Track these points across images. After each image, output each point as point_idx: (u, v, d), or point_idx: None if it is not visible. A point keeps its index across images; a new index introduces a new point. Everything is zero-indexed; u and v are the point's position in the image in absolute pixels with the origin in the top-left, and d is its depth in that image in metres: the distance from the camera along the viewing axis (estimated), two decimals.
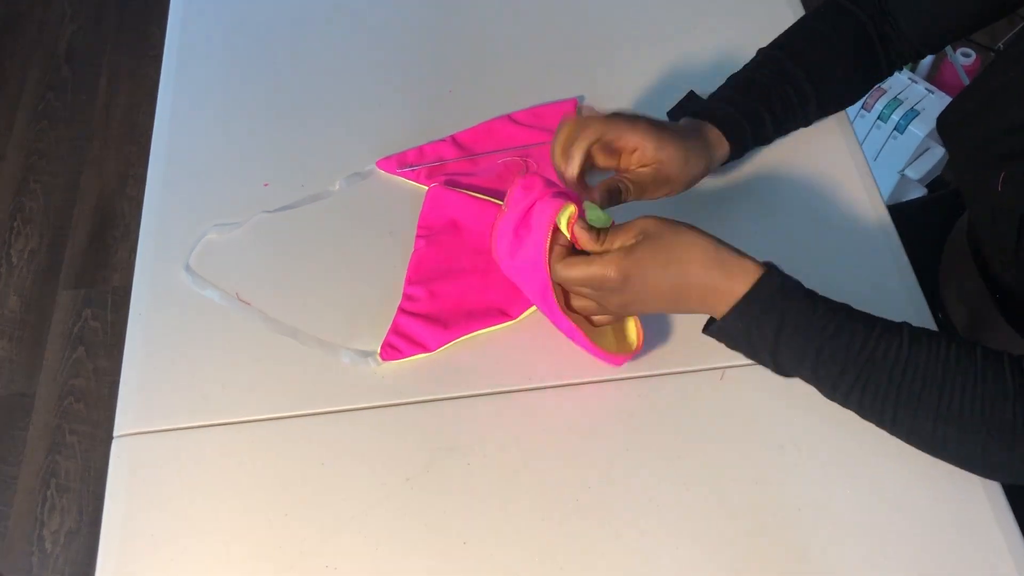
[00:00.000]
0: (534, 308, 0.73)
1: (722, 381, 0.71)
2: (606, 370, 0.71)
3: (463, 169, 0.85)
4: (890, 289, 0.76)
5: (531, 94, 0.90)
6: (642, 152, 0.69)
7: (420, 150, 0.86)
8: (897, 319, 0.62)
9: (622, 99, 0.89)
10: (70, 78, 2.11)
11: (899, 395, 0.59)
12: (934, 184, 1.69)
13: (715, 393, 0.71)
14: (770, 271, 0.61)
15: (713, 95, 0.79)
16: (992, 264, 0.77)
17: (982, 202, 0.75)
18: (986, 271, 0.79)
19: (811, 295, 0.62)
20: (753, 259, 0.62)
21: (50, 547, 1.49)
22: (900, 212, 0.89)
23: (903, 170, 1.63)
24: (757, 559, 0.64)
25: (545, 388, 0.72)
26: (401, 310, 0.75)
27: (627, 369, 0.71)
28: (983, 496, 0.65)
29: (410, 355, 0.73)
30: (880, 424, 0.62)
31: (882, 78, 0.81)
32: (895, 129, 1.60)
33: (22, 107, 2.06)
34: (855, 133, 0.87)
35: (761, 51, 0.80)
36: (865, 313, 0.62)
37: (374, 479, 0.68)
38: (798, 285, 0.62)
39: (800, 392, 0.67)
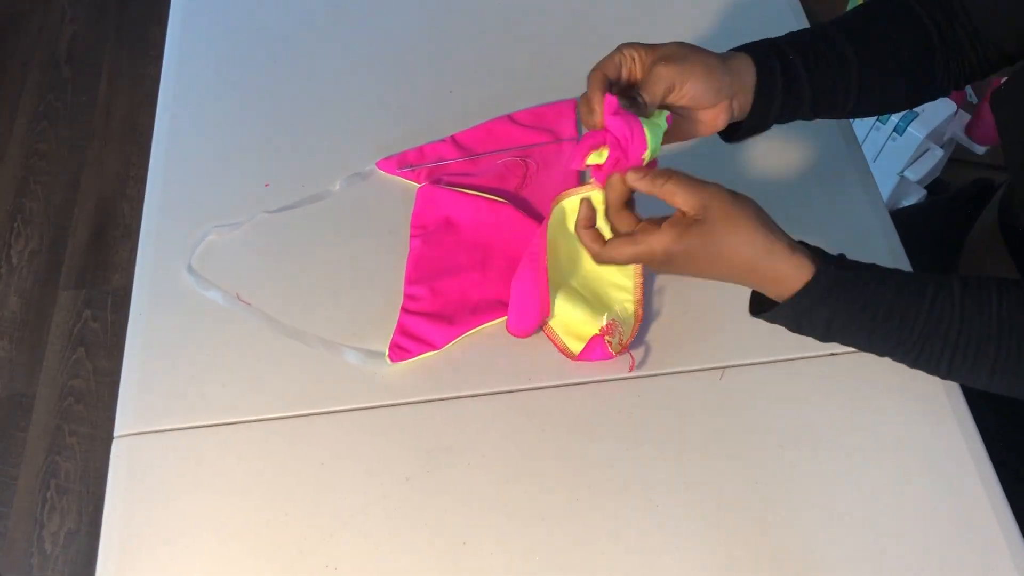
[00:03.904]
0: None
1: (722, 381, 0.71)
2: (606, 370, 0.72)
3: (463, 169, 0.85)
4: None
5: (531, 94, 0.90)
6: (642, 57, 0.64)
7: (420, 150, 0.86)
8: None
9: None
10: (70, 78, 2.11)
11: (954, 356, 0.59)
12: (933, 185, 1.70)
13: (715, 393, 0.71)
14: (819, 273, 0.59)
15: None
16: None
17: None
18: (1022, 259, 0.75)
19: (863, 286, 0.59)
20: (806, 254, 0.59)
21: (50, 548, 1.49)
22: (899, 216, 0.89)
23: (902, 171, 1.63)
24: (757, 558, 0.64)
25: (545, 388, 0.72)
26: (404, 310, 0.75)
27: (627, 369, 0.72)
28: (983, 495, 0.65)
29: (418, 354, 0.73)
30: (934, 375, 0.62)
31: (936, 94, 0.74)
32: (895, 130, 1.60)
33: (22, 107, 2.06)
34: (855, 134, 0.87)
35: (815, 23, 0.74)
36: (917, 281, 0.60)
37: (374, 479, 0.68)
38: (852, 279, 0.59)
39: (800, 392, 0.67)
